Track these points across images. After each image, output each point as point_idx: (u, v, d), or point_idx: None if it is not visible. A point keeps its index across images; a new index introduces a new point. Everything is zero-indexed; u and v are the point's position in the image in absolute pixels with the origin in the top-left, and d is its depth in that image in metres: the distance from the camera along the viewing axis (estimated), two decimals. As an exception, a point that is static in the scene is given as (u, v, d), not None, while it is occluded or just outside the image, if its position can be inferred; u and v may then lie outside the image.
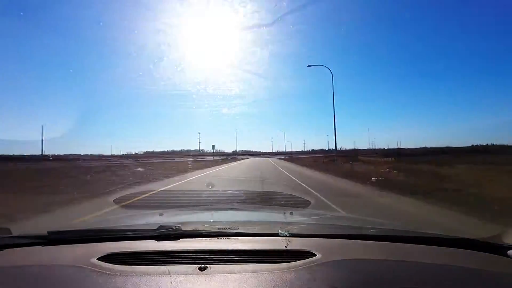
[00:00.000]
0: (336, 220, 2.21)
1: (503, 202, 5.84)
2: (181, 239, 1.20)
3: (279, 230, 1.26)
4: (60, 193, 7.63)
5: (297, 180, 11.97)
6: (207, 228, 1.43)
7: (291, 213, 2.02)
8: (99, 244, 1.19)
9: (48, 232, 1.24)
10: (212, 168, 22.77)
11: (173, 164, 27.75)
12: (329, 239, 1.27)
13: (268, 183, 11.00)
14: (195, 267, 0.95)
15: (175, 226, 1.26)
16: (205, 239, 1.22)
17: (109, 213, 5.17)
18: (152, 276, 0.91)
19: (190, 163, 29.99)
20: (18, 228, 2.27)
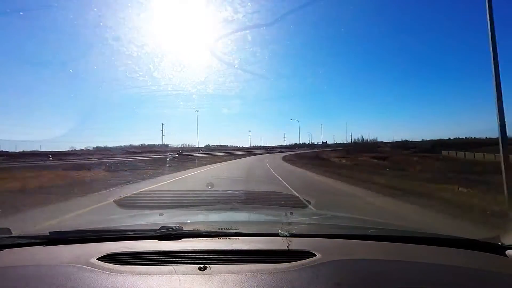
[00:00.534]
0: (336, 220, 2.21)
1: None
2: (181, 239, 1.20)
3: (279, 230, 1.26)
4: None
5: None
6: (207, 228, 1.43)
7: (291, 213, 2.02)
8: (99, 244, 1.19)
9: (49, 233, 1.24)
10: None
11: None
12: (329, 239, 1.27)
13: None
14: (195, 267, 0.95)
15: (175, 226, 1.26)
16: (205, 239, 1.22)
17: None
18: (152, 276, 0.91)
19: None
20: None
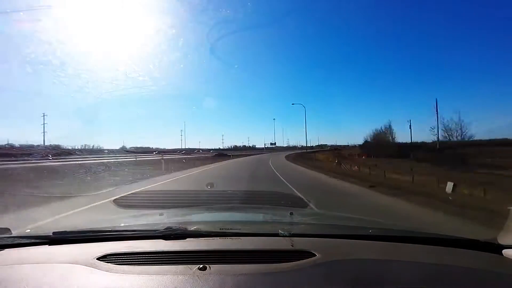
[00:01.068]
0: (336, 220, 2.21)
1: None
2: (180, 239, 1.20)
3: (279, 230, 1.26)
4: None
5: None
6: (207, 228, 1.43)
7: (291, 213, 2.02)
8: (99, 244, 1.19)
9: (53, 233, 1.25)
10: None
11: None
12: (329, 239, 1.27)
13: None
14: (195, 267, 0.94)
15: (175, 226, 1.26)
16: (205, 239, 1.22)
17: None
18: (151, 276, 0.91)
19: None
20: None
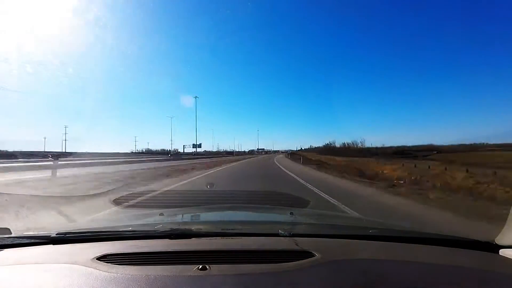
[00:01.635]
0: (336, 220, 2.21)
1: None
2: (181, 239, 1.20)
3: (279, 230, 1.26)
4: None
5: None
6: (207, 228, 1.43)
7: (291, 213, 2.02)
8: (98, 244, 1.19)
9: (53, 233, 1.24)
10: None
11: None
12: (329, 239, 1.27)
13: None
14: (195, 267, 0.94)
15: (175, 226, 1.26)
16: (205, 239, 1.22)
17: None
18: (151, 276, 0.90)
19: None
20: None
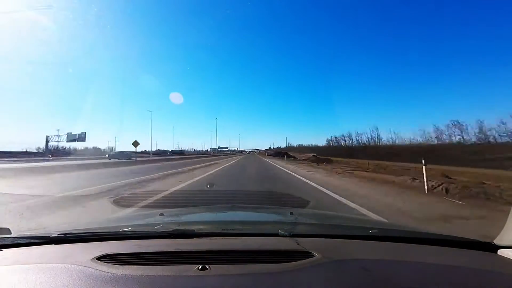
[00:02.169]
0: (336, 220, 2.21)
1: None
2: (181, 239, 1.20)
3: (280, 230, 1.26)
4: None
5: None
6: (207, 228, 1.43)
7: (291, 213, 2.02)
8: (98, 244, 1.19)
9: (53, 233, 1.24)
10: None
11: None
12: (329, 239, 1.27)
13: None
14: (195, 267, 0.94)
15: (176, 226, 1.26)
16: (205, 239, 1.22)
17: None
18: (151, 276, 0.90)
19: None
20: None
